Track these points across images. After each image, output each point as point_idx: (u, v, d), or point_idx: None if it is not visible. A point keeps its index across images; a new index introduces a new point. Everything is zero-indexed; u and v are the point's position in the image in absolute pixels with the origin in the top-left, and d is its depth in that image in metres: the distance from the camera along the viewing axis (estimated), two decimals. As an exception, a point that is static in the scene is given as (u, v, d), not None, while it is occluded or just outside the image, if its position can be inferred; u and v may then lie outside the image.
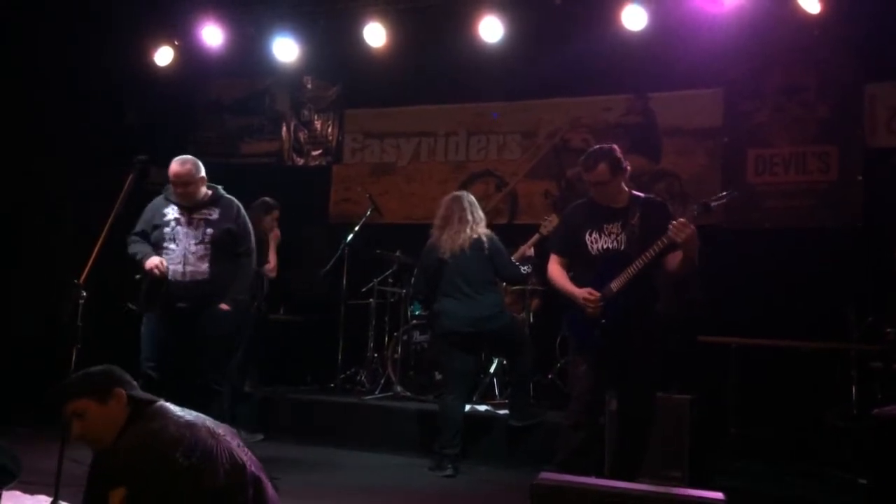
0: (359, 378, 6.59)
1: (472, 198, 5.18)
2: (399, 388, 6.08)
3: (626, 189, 3.84)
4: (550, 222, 5.33)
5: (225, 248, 4.48)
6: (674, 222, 3.44)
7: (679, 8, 6.13)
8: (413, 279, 5.60)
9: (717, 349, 5.67)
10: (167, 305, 4.31)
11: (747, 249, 6.43)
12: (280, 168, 8.31)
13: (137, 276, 4.40)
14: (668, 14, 6.17)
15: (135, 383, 2.63)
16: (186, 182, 4.46)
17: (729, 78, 6.82)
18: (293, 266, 7.01)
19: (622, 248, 3.69)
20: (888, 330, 2.86)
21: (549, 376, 6.26)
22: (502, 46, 6.66)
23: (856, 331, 4.22)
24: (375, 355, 6.58)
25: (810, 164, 6.57)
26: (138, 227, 4.51)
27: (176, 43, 7.40)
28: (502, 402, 5.87)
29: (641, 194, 3.87)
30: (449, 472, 4.80)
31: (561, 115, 7.38)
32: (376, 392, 6.20)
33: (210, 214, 4.50)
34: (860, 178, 6.34)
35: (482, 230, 5.03)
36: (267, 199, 6.22)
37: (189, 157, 4.59)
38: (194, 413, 2.60)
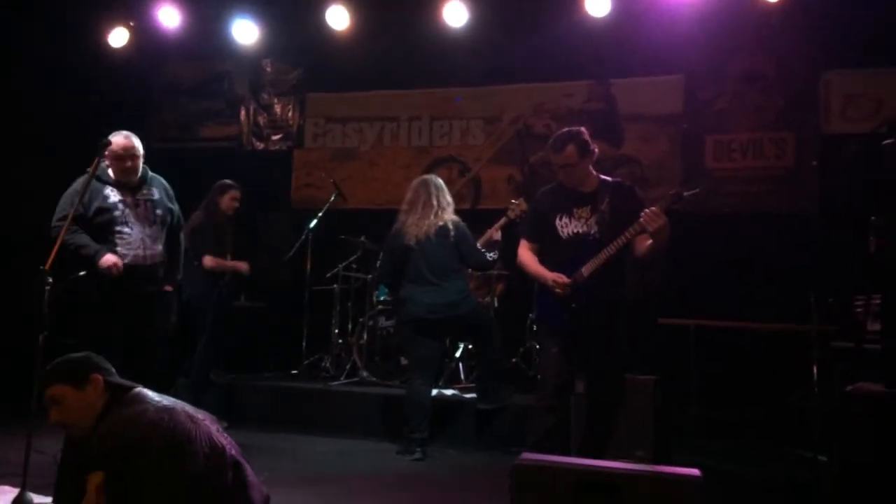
0: (323, 364, 6.56)
1: (440, 182, 5.17)
2: (365, 374, 6.07)
3: (595, 173, 3.87)
4: (518, 206, 5.35)
5: (166, 227, 4.37)
6: (646, 211, 3.48)
7: (642, -4, 6.19)
8: (378, 264, 5.58)
9: (677, 331, 5.79)
10: (128, 294, 4.11)
11: (706, 234, 6.52)
12: (240, 152, 8.18)
13: (82, 273, 3.95)
14: (631, 1, 6.22)
15: (112, 370, 2.59)
16: (134, 155, 4.24)
17: (689, 65, 6.90)
18: (256, 252, 6.93)
19: (592, 232, 3.73)
20: (858, 310, 2.95)
21: (514, 360, 6.31)
22: (466, 31, 6.67)
23: (817, 312, 4.33)
24: (340, 341, 6.54)
25: (767, 150, 6.71)
26: (69, 212, 3.92)
27: (131, 24, 7.24)
28: (468, 385, 5.91)
29: (610, 178, 3.90)
30: (417, 455, 4.81)
31: (524, 100, 7.40)
32: (342, 378, 6.18)
33: (151, 194, 4.33)
34: (815, 164, 6.49)
35: (448, 216, 5.02)
36: (225, 180, 6.00)
37: (126, 131, 4.33)
38: (172, 399, 2.57)
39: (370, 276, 6.44)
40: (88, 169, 3.98)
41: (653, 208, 3.48)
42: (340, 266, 6.63)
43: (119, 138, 4.21)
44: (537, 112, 7.37)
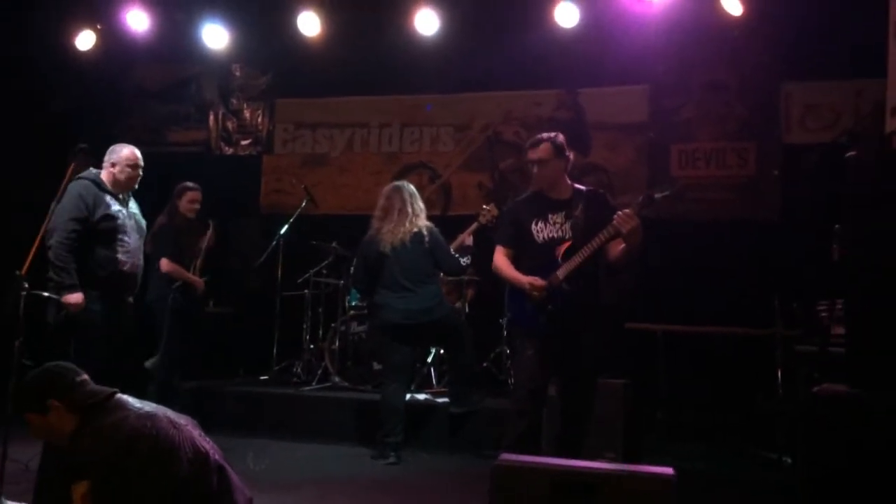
0: (294, 370, 6.55)
1: (412, 188, 5.23)
2: (337, 379, 6.09)
3: (569, 182, 3.96)
4: (489, 211, 5.44)
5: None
6: (619, 213, 3.57)
7: (609, 7, 6.32)
8: (353, 269, 5.60)
9: (644, 336, 5.91)
10: (122, 301, 4.23)
11: (671, 240, 6.67)
12: (208, 157, 8.16)
13: (46, 294, 3.92)
14: (599, 12, 6.36)
15: (80, 379, 2.56)
16: (141, 167, 4.39)
17: (655, 75, 7.07)
18: (226, 257, 6.91)
19: (566, 237, 3.81)
20: (822, 315, 3.06)
21: (485, 364, 6.38)
22: (437, 39, 6.72)
23: (781, 317, 4.48)
24: (311, 346, 6.55)
25: (730, 159, 6.90)
26: (79, 215, 4.03)
27: (98, 27, 7.17)
28: (440, 390, 5.97)
29: (583, 187, 3.99)
30: (392, 459, 4.86)
31: (494, 108, 7.50)
32: (313, 383, 6.19)
33: (133, 207, 4.45)
34: (777, 173, 6.68)
35: (422, 223, 5.08)
36: (185, 182, 5.82)
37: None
38: (153, 404, 2.58)
39: (342, 281, 6.46)
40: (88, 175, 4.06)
41: (626, 210, 3.57)
42: (311, 272, 6.64)
43: (130, 150, 4.39)
44: (507, 120, 7.48)
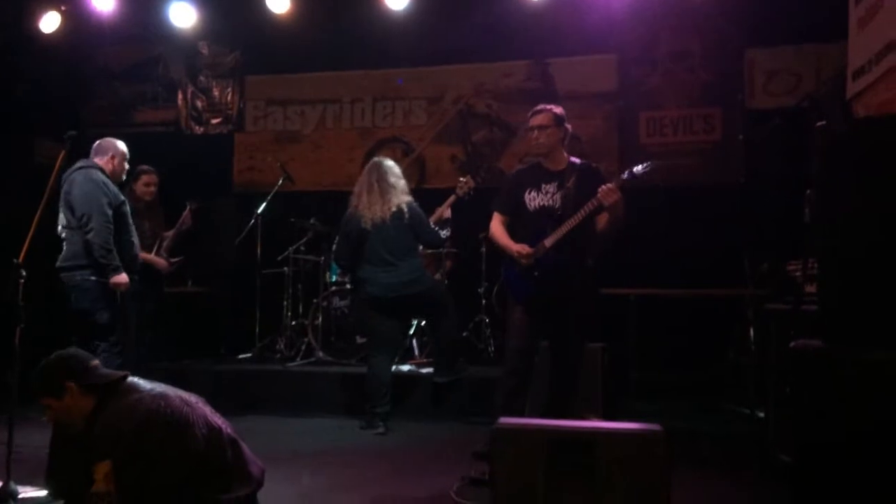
0: (277, 346, 6.63)
1: (391, 164, 5.30)
2: (321, 354, 6.19)
3: (566, 155, 4.10)
4: (465, 183, 5.55)
5: None
6: (603, 187, 3.72)
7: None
8: (335, 246, 5.68)
9: (617, 300, 6.09)
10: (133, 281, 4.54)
11: (641, 206, 6.82)
12: (179, 137, 8.12)
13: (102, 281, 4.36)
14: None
15: (92, 364, 2.65)
16: None
17: (622, 44, 7.19)
18: (200, 236, 6.91)
19: (556, 206, 3.97)
20: (796, 274, 3.23)
21: (465, 334, 6.51)
22: (406, 13, 6.75)
23: (751, 277, 4.66)
24: (293, 323, 6.63)
25: (696, 125, 7.06)
26: (110, 201, 4.45)
27: (62, 8, 7.06)
28: (422, 361, 6.10)
29: (579, 160, 4.13)
30: (381, 429, 4.98)
31: (465, 80, 7.57)
32: (297, 359, 6.27)
33: None
34: (741, 137, 6.87)
35: (402, 198, 5.16)
36: (141, 165, 5.74)
37: None
38: (162, 384, 2.67)
39: (322, 258, 6.52)
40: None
41: (608, 185, 3.72)
42: (291, 249, 6.69)
43: (122, 144, 4.74)
44: (478, 92, 7.55)
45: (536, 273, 3.96)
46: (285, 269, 6.76)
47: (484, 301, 6.58)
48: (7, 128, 7.33)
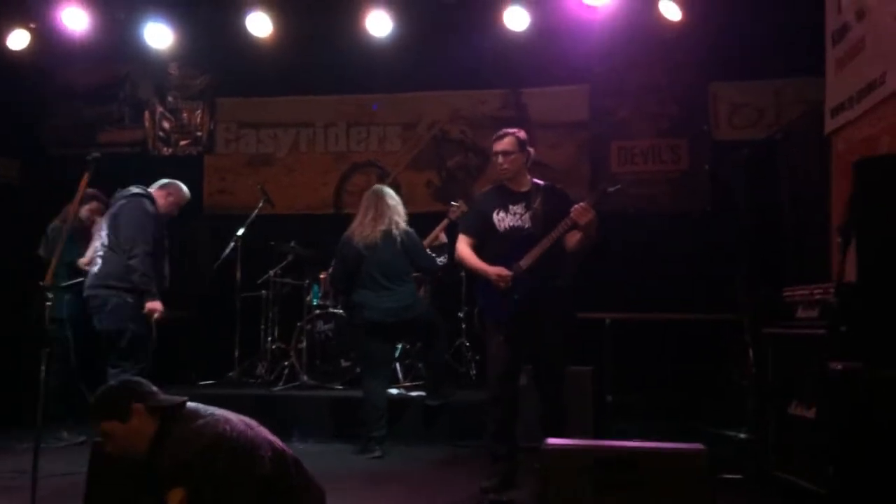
0: (257, 371, 6.56)
1: (387, 191, 5.37)
2: (305, 378, 6.15)
3: (529, 176, 4.24)
4: (458, 207, 5.66)
5: None
6: (576, 206, 3.87)
7: (556, 11, 6.59)
8: (331, 270, 5.69)
9: (592, 324, 6.25)
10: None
11: (614, 232, 7.04)
12: (146, 158, 7.99)
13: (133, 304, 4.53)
14: (546, 16, 6.62)
15: (155, 389, 2.64)
16: None
17: (594, 75, 7.44)
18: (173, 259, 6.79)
19: (526, 226, 4.08)
20: (819, 297, 3.41)
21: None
22: (383, 40, 6.83)
23: (743, 301, 4.88)
24: (274, 346, 6.57)
25: (664, 154, 7.35)
26: (153, 231, 4.68)
27: (32, 26, 6.90)
28: (407, 384, 6.14)
29: (541, 182, 4.27)
30: (377, 453, 4.99)
31: (440, 107, 7.70)
32: (280, 383, 6.22)
33: None
34: (707, 167, 7.17)
35: (396, 221, 5.21)
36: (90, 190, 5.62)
37: None
38: (221, 409, 2.66)
39: (306, 281, 6.51)
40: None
41: (582, 204, 3.87)
42: (271, 272, 6.66)
43: (187, 194, 5.09)
44: (453, 118, 7.69)
45: (516, 296, 4.00)
46: (263, 292, 6.71)
47: (464, 325, 6.65)
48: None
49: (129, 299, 4.51)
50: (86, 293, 4.67)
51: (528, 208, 4.10)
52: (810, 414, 3.51)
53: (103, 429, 2.56)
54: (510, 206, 4.13)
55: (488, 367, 4.23)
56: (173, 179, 5.06)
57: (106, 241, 4.64)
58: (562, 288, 4.20)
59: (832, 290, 3.14)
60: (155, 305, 4.53)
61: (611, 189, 4.14)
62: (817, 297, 3.51)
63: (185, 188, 5.06)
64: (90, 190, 5.59)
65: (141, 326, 4.53)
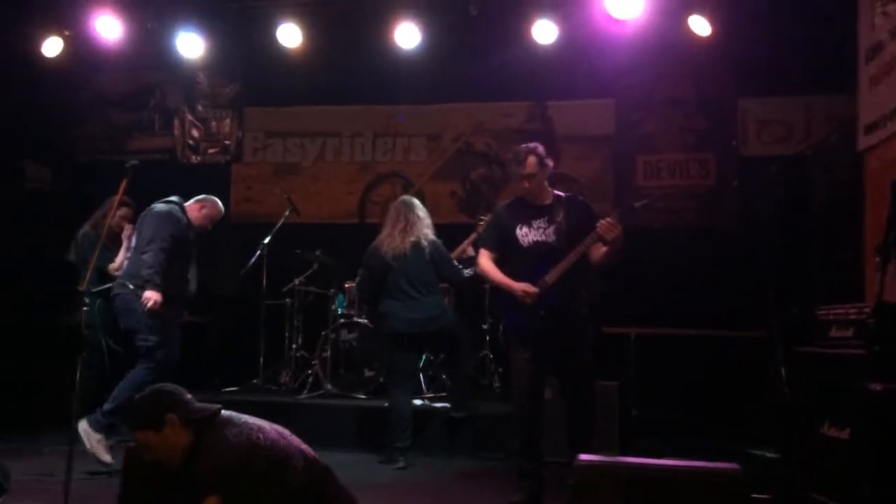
0: (281, 378, 6.58)
1: (416, 202, 5.39)
2: (329, 387, 6.16)
3: (550, 189, 4.21)
4: (487, 222, 5.62)
5: None
6: (602, 221, 3.83)
7: (585, 25, 6.60)
8: (358, 279, 5.71)
9: (618, 339, 6.22)
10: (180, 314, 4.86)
11: (639, 247, 7.01)
12: (174, 165, 8.07)
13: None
14: (574, 29, 6.63)
15: (188, 397, 2.66)
16: None
17: (620, 89, 7.43)
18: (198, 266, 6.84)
19: (550, 241, 4.04)
20: (854, 316, 3.37)
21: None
22: (411, 52, 6.87)
23: (777, 319, 4.84)
24: (298, 354, 6.60)
25: (692, 169, 7.32)
26: (175, 233, 4.74)
27: (66, 33, 7.01)
28: (431, 396, 6.13)
29: (563, 193, 4.24)
30: (401, 464, 4.99)
31: (465, 119, 7.72)
32: (305, 392, 6.24)
33: None
34: (735, 183, 7.13)
35: (425, 232, 5.23)
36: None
37: None
38: (254, 417, 2.68)
39: (331, 290, 6.53)
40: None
41: (608, 219, 3.84)
42: (296, 281, 6.69)
43: (221, 209, 5.19)
44: (478, 130, 7.71)
45: (542, 312, 3.97)
46: (288, 300, 6.74)
47: (488, 337, 6.64)
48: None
49: (138, 294, 4.57)
50: (112, 295, 4.82)
51: (551, 222, 4.07)
52: (843, 434, 3.47)
53: (138, 438, 2.59)
54: (533, 221, 4.10)
55: (513, 382, 4.20)
56: (210, 195, 5.17)
57: (134, 243, 4.85)
58: (584, 301, 4.18)
59: (868, 310, 3.11)
60: (150, 295, 4.51)
61: (637, 204, 4.10)
62: (852, 316, 3.48)
63: (219, 203, 5.15)
64: (124, 198, 5.72)
65: (155, 326, 4.58)
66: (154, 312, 4.51)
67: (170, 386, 2.71)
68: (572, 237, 3.97)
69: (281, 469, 2.48)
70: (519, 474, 4.10)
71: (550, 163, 4.19)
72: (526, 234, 4.09)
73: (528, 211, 4.13)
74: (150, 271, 4.54)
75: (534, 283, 3.97)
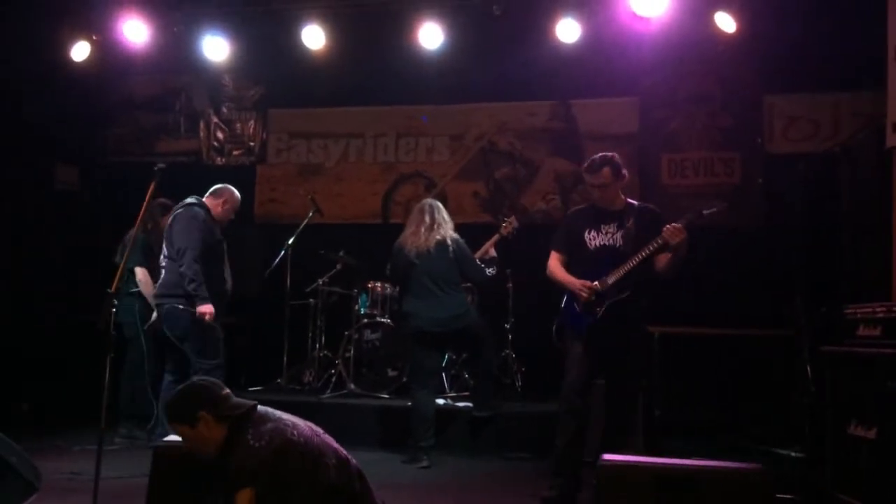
0: (305, 378, 6.63)
1: (436, 203, 5.43)
2: (353, 386, 6.20)
3: (623, 196, 4.22)
4: (510, 223, 5.67)
5: None
6: (668, 226, 3.85)
7: (609, 23, 6.56)
8: (388, 272, 5.73)
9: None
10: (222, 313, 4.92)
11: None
12: (200, 167, 8.15)
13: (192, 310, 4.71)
14: (598, 28, 6.60)
15: (225, 393, 2.70)
16: None
17: (644, 87, 7.38)
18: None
19: (618, 245, 4.08)
20: (882, 315, 3.33)
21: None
22: (434, 52, 6.88)
23: (804, 318, 4.79)
24: (322, 354, 6.64)
25: (717, 167, 7.26)
26: (205, 237, 4.83)
27: (94, 38, 7.11)
28: (454, 395, 6.15)
29: (636, 202, 4.26)
30: (425, 463, 5.01)
31: (488, 118, 7.71)
32: (328, 391, 6.27)
33: None
34: (761, 181, 7.06)
35: (447, 233, 5.24)
36: (163, 200, 5.88)
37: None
38: (289, 414, 2.72)
39: (354, 290, 6.57)
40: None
41: (674, 224, 3.84)
42: (320, 281, 6.73)
43: (238, 196, 5.23)
44: (501, 130, 7.69)
45: (598, 309, 4.04)
46: (311, 300, 6.79)
47: (510, 336, 6.64)
48: (29, 153, 7.33)
49: (187, 305, 4.72)
50: (154, 301, 5.00)
51: (620, 227, 4.12)
52: (871, 434, 3.43)
53: (175, 430, 2.66)
54: (602, 226, 4.16)
55: (565, 378, 4.21)
56: (224, 185, 5.23)
57: (166, 252, 4.89)
58: (642, 307, 4.19)
59: (896, 309, 3.07)
60: (204, 309, 4.69)
61: (706, 212, 4.09)
62: (880, 315, 3.44)
63: (235, 192, 5.22)
64: (164, 200, 5.85)
65: (202, 328, 4.71)
66: (207, 322, 4.67)
67: (207, 381, 2.77)
68: (640, 243, 4.02)
69: (314, 466, 2.52)
70: (555, 471, 4.11)
71: (625, 173, 4.24)
72: (594, 238, 4.15)
73: (599, 216, 4.19)
74: (194, 284, 4.66)
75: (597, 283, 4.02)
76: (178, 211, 4.94)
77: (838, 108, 6.91)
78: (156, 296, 4.96)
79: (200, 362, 4.68)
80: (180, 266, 4.68)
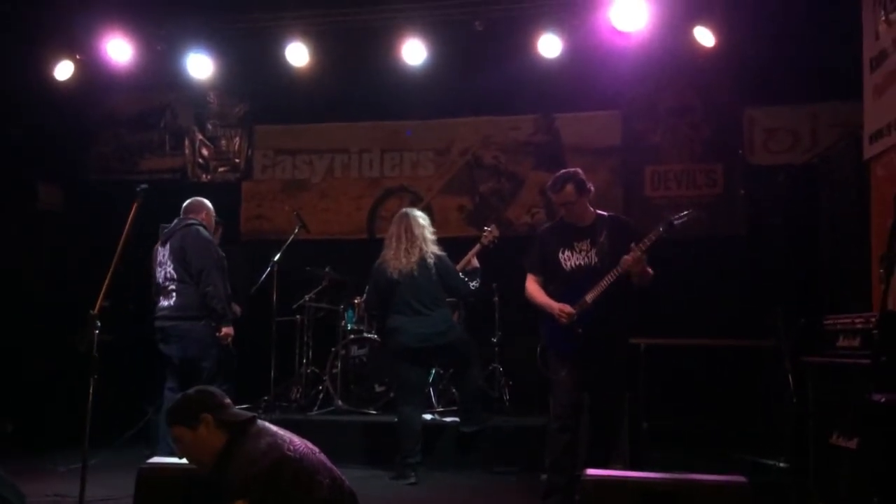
0: (292, 395, 6.61)
1: (418, 213, 5.40)
2: (340, 403, 6.19)
3: (592, 209, 4.24)
4: (490, 232, 5.70)
5: None
6: (626, 257, 3.92)
7: (589, 38, 6.63)
8: (365, 295, 5.74)
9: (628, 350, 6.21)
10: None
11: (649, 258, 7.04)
12: (185, 184, 8.12)
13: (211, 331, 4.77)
14: (580, 43, 6.67)
15: (228, 402, 2.72)
16: None
17: (626, 100, 7.46)
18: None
19: (593, 263, 4.09)
20: (861, 326, 3.38)
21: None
22: (418, 67, 6.93)
23: (783, 328, 4.83)
24: (308, 371, 6.62)
25: (699, 179, 7.33)
26: (219, 261, 4.87)
27: (78, 57, 7.11)
28: (441, 410, 6.15)
29: (605, 213, 4.28)
30: (412, 479, 5.00)
31: (472, 133, 7.76)
32: (315, 408, 6.26)
33: None
34: (743, 192, 7.13)
35: (429, 248, 5.24)
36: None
37: None
38: (285, 430, 2.73)
39: (341, 306, 6.57)
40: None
41: (633, 254, 3.90)
42: (306, 297, 6.72)
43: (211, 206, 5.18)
44: (485, 144, 7.74)
45: (580, 329, 4.06)
46: (298, 316, 6.78)
47: (497, 349, 6.65)
48: (10, 172, 7.30)
49: (204, 326, 4.76)
50: (160, 324, 4.86)
51: (594, 244, 4.12)
52: (852, 444, 3.47)
53: (174, 433, 2.66)
54: (575, 244, 4.15)
55: (554, 398, 4.22)
56: (194, 198, 5.26)
57: (174, 274, 4.82)
58: (624, 320, 4.22)
59: (874, 320, 3.11)
60: (228, 330, 4.81)
61: (676, 221, 4.09)
62: (859, 326, 3.49)
63: (206, 201, 5.25)
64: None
65: (218, 352, 4.79)
66: (226, 344, 4.74)
67: (212, 388, 2.80)
68: (615, 257, 4.03)
69: (308, 483, 2.54)
70: (547, 489, 4.12)
71: (591, 187, 4.23)
72: (568, 259, 4.15)
73: (571, 233, 4.19)
74: (223, 304, 4.72)
75: (574, 305, 4.03)
76: (182, 231, 4.90)
77: (817, 118, 7.01)
78: (167, 318, 4.83)
79: (215, 383, 4.63)
80: (206, 287, 4.69)
